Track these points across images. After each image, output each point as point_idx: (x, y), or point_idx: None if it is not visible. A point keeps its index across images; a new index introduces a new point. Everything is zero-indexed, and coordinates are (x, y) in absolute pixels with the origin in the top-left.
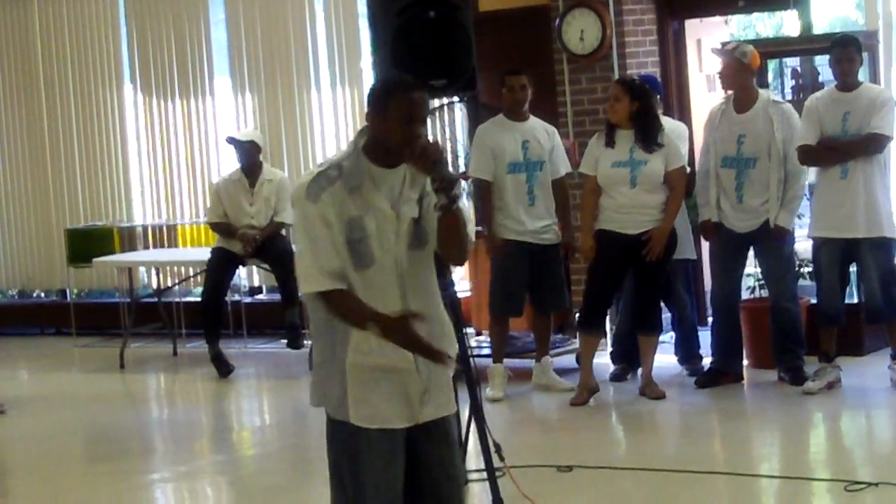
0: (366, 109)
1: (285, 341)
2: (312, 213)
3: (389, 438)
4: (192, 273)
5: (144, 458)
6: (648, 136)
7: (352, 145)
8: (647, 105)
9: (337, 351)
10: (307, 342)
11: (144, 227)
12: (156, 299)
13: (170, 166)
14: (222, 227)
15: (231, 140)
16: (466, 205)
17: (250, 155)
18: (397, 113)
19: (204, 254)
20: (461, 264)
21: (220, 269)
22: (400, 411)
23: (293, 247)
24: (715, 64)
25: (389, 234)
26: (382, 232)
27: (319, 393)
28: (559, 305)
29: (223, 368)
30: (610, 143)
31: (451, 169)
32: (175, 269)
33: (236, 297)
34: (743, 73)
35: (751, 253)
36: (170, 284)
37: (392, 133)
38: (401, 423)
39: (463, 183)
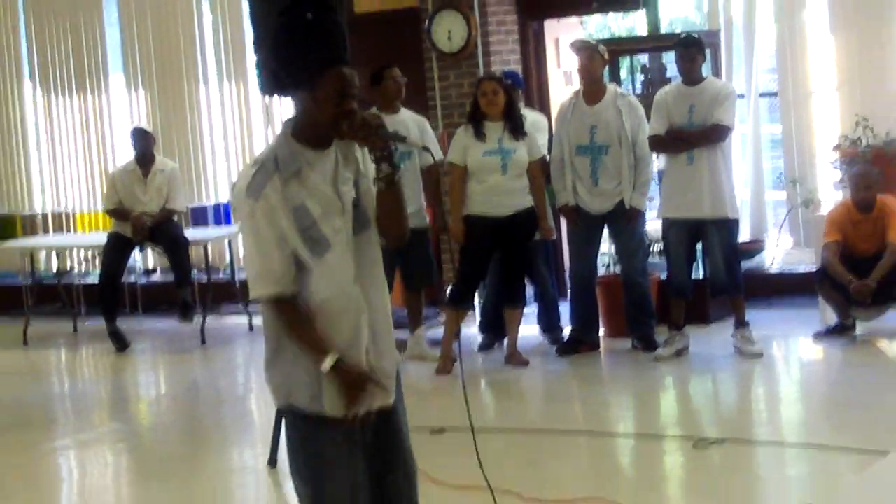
0: (295, 96)
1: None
2: (257, 211)
3: (353, 429)
4: (90, 256)
5: (47, 428)
6: (517, 126)
7: (280, 135)
8: (513, 98)
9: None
10: (197, 319)
11: (44, 214)
12: (56, 281)
13: (68, 157)
14: (118, 212)
15: (137, 128)
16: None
17: (148, 144)
18: (328, 88)
19: (100, 238)
20: (401, 244)
21: (116, 252)
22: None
23: (184, 233)
24: (572, 61)
25: (335, 215)
26: (328, 214)
27: (285, 391)
28: (427, 282)
29: (120, 344)
30: (479, 134)
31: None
32: (74, 252)
33: (132, 278)
34: (602, 67)
35: (605, 232)
36: (69, 267)
37: (325, 111)
38: (362, 409)
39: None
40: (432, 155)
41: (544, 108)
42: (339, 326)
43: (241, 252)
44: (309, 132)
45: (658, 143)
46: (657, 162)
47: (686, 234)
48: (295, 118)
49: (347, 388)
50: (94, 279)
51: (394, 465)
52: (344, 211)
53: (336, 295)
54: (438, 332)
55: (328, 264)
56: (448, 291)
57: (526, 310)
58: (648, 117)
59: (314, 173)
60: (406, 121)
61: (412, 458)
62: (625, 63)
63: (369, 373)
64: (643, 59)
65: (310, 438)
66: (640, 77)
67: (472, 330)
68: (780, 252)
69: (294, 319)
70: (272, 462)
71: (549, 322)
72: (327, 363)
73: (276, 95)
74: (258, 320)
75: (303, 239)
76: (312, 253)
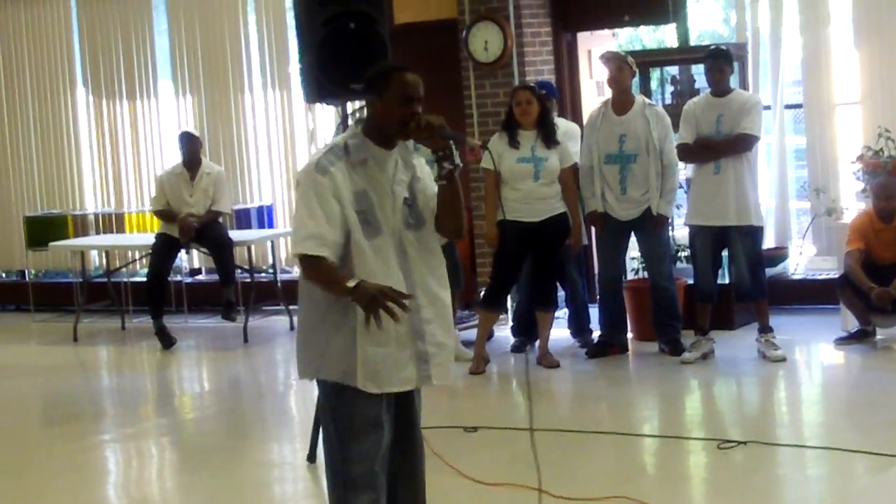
0: (366, 97)
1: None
2: (322, 183)
3: (380, 403)
4: (138, 256)
5: (95, 421)
6: (549, 135)
7: (352, 129)
8: (547, 108)
9: (340, 319)
10: (240, 318)
11: (95, 215)
12: (106, 279)
13: (118, 160)
14: (165, 214)
15: (185, 132)
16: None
17: (195, 148)
18: (395, 94)
19: (149, 239)
20: (460, 237)
21: (163, 252)
22: (401, 378)
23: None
24: (604, 71)
25: (388, 208)
26: (383, 205)
27: (316, 365)
28: (455, 286)
29: (166, 341)
30: (513, 142)
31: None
32: (123, 252)
33: (178, 278)
34: (631, 78)
35: (633, 239)
36: (118, 266)
37: (391, 113)
38: (399, 388)
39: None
40: (484, 147)
41: (577, 117)
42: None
43: (283, 253)
44: (377, 132)
45: (686, 152)
46: (684, 170)
47: (712, 240)
48: (365, 120)
49: (367, 303)
50: (142, 278)
51: (407, 437)
52: (395, 207)
53: (381, 272)
54: (472, 333)
55: (378, 247)
56: (482, 294)
57: (557, 313)
58: (678, 128)
59: (377, 167)
60: None
61: (420, 433)
62: (655, 74)
63: (390, 290)
64: (673, 70)
65: (340, 409)
66: (669, 88)
67: (505, 332)
68: (804, 259)
69: (323, 271)
70: (311, 458)
71: (579, 325)
72: (350, 283)
73: (318, 102)
74: None
75: (360, 220)
76: (366, 234)
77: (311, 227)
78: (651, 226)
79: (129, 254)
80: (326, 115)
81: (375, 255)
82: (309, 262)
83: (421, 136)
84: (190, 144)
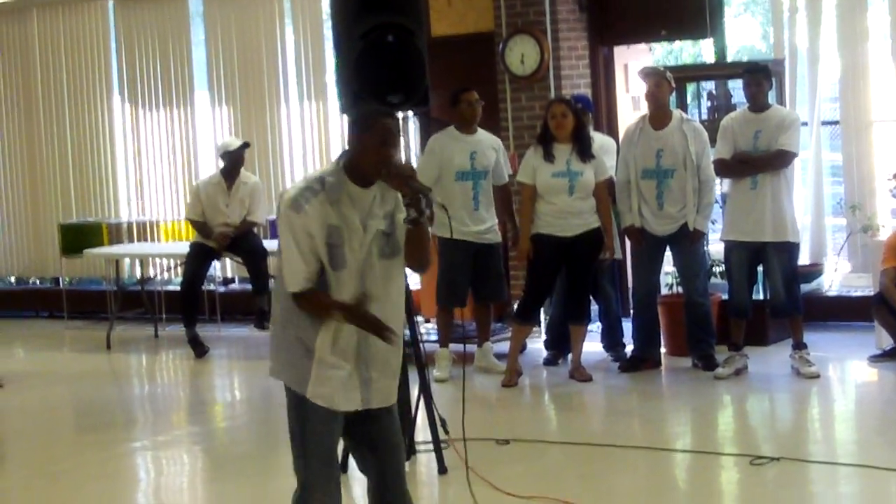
0: (347, 134)
1: (253, 325)
2: (297, 223)
3: (332, 414)
4: (172, 264)
5: (127, 429)
6: (585, 149)
7: (335, 164)
8: (582, 121)
9: (304, 341)
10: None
11: (130, 223)
12: (139, 287)
13: (153, 169)
14: (199, 226)
15: (241, 147)
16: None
17: (242, 158)
18: (374, 137)
19: (183, 247)
20: (423, 272)
21: (197, 261)
22: (347, 398)
23: (277, 243)
24: (640, 86)
25: (355, 243)
26: (351, 241)
27: (284, 369)
28: (498, 297)
29: (199, 349)
30: (548, 156)
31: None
32: (157, 260)
33: (211, 287)
34: (669, 93)
35: (668, 253)
36: (152, 274)
37: (368, 155)
38: (345, 408)
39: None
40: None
41: (612, 131)
42: (337, 330)
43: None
44: (356, 170)
45: (723, 168)
46: (720, 186)
47: (748, 256)
48: (348, 154)
49: (354, 318)
50: (175, 287)
51: (382, 442)
52: (363, 242)
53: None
54: (504, 346)
55: (340, 279)
56: (515, 307)
57: (590, 327)
58: (714, 143)
59: (350, 206)
60: (483, 141)
61: (399, 435)
62: (691, 89)
63: (357, 298)
64: (709, 85)
65: (300, 406)
66: (706, 103)
67: (538, 345)
68: (839, 276)
69: (314, 302)
70: (343, 468)
71: (612, 339)
72: (338, 316)
73: None
74: None
75: (328, 252)
76: (332, 266)
77: (297, 265)
78: (687, 241)
79: (164, 262)
80: None
81: (337, 285)
82: (301, 297)
83: (391, 181)
84: (241, 153)
